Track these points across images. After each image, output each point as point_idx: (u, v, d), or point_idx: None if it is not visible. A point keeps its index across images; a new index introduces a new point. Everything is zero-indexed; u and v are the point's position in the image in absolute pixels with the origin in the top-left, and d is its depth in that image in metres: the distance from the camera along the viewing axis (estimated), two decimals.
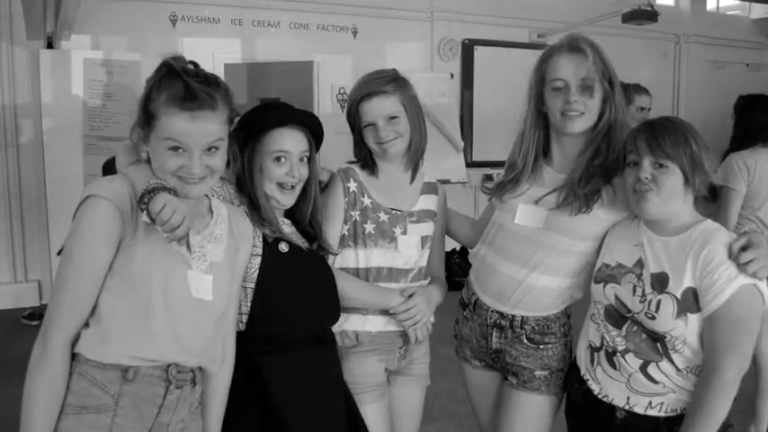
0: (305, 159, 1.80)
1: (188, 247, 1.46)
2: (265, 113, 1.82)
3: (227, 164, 1.56)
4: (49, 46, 5.23)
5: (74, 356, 1.42)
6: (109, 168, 3.43)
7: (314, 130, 1.83)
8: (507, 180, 1.97)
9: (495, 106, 6.51)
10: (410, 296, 1.96)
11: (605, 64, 1.85)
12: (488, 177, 6.35)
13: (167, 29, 5.66)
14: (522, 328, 1.94)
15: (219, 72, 1.53)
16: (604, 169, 1.82)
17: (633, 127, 1.78)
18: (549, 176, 1.91)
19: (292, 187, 1.78)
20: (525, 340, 1.94)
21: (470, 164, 6.59)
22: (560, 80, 1.84)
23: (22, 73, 5.37)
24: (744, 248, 1.57)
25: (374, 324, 1.96)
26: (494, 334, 1.98)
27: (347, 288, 1.90)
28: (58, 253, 3.07)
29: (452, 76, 6.63)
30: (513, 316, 1.95)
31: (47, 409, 1.38)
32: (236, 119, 1.57)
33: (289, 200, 1.80)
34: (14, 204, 5.44)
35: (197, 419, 1.58)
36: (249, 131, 1.75)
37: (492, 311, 1.98)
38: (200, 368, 1.56)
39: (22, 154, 5.45)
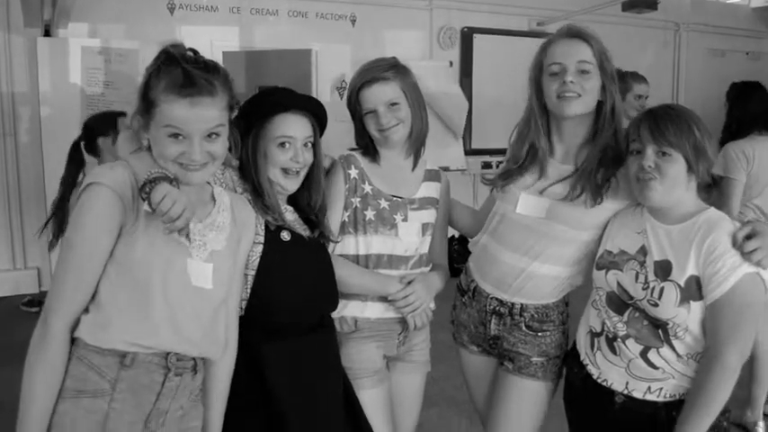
0: (309, 145, 1.80)
1: (187, 237, 1.46)
2: (269, 99, 1.81)
3: (229, 150, 1.56)
4: (47, 34, 5.20)
5: (73, 341, 1.42)
6: (90, 129, 3.38)
7: (317, 116, 1.82)
8: (509, 170, 1.97)
9: (494, 94, 6.50)
10: (409, 283, 1.96)
11: (603, 52, 1.86)
12: (487, 165, 6.35)
13: (165, 17, 5.64)
14: (521, 315, 1.95)
15: (218, 60, 1.53)
16: (610, 158, 1.83)
17: (634, 115, 1.79)
18: (551, 167, 1.91)
19: (297, 173, 1.78)
20: (524, 327, 1.95)
21: (469, 152, 6.59)
22: (557, 64, 1.85)
23: (19, 61, 5.35)
24: (748, 237, 1.57)
25: (373, 310, 1.97)
26: (492, 321, 1.99)
27: (346, 275, 1.90)
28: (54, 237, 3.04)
29: (451, 64, 6.61)
30: (513, 303, 1.96)
31: (45, 393, 1.38)
32: (237, 106, 1.56)
33: (293, 185, 1.80)
34: (13, 192, 5.44)
35: (197, 406, 1.58)
36: (252, 117, 1.75)
37: (491, 298, 1.99)
38: (203, 357, 1.56)
39: (21, 142, 5.44)
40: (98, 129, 3.35)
